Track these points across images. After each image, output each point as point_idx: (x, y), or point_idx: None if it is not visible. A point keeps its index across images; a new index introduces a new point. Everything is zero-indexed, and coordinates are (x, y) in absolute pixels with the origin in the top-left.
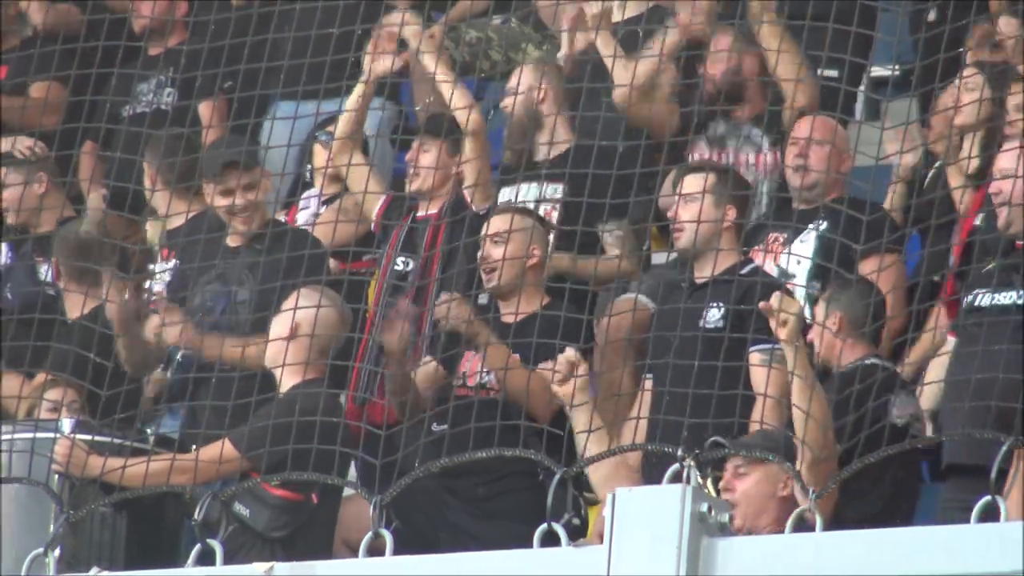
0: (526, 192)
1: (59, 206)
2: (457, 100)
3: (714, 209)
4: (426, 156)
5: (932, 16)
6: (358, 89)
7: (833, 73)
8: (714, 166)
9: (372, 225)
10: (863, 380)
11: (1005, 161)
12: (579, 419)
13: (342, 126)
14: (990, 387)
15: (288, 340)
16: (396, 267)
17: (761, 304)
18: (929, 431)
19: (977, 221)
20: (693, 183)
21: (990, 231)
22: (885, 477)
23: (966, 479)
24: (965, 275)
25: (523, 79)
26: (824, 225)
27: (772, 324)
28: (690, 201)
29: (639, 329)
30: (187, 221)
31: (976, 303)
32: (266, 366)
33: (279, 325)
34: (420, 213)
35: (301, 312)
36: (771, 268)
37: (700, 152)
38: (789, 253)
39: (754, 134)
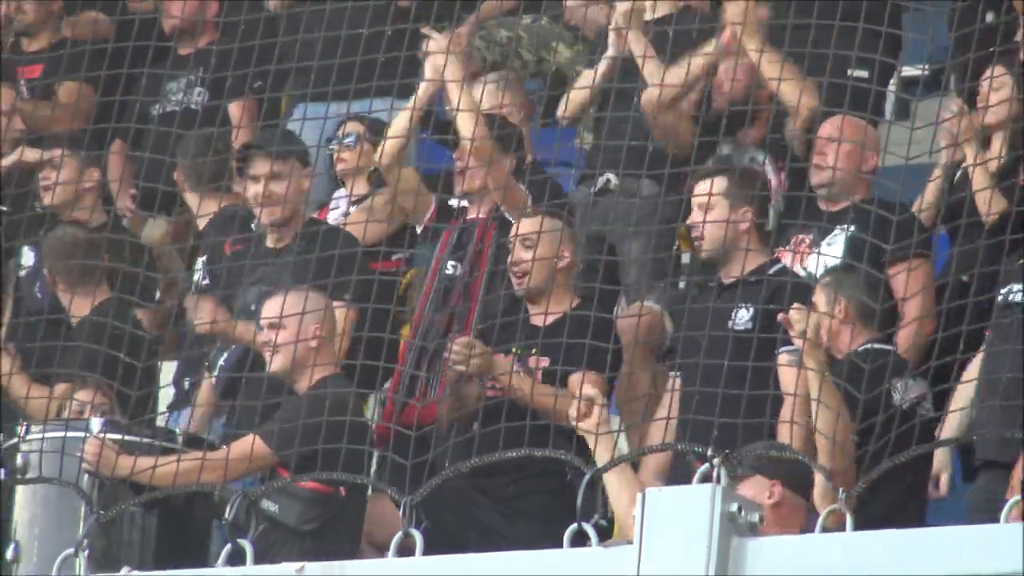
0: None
1: (91, 207)
2: (465, 105)
3: (731, 212)
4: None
5: (990, 18)
6: (403, 116)
7: (863, 73)
8: (725, 169)
9: (419, 228)
10: (874, 370)
11: None
12: (601, 454)
13: (389, 151)
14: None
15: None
16: (446, 271)
17: (780, 316)
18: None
19: None
20: (707, 188)
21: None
22: (888, 484)
23: (997, 476)
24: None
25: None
26: (853, 228)
27: (792, 335)
28: (707, 207)
29: (652, 332)
30: (212, 217)
31: (1009, 299)
32: (286, 367)
33: (291, 326)
34: (471, 216)
35: (313, 313)
36: (798, 270)
37: None
38: (819, 254)
39: (758, 156)
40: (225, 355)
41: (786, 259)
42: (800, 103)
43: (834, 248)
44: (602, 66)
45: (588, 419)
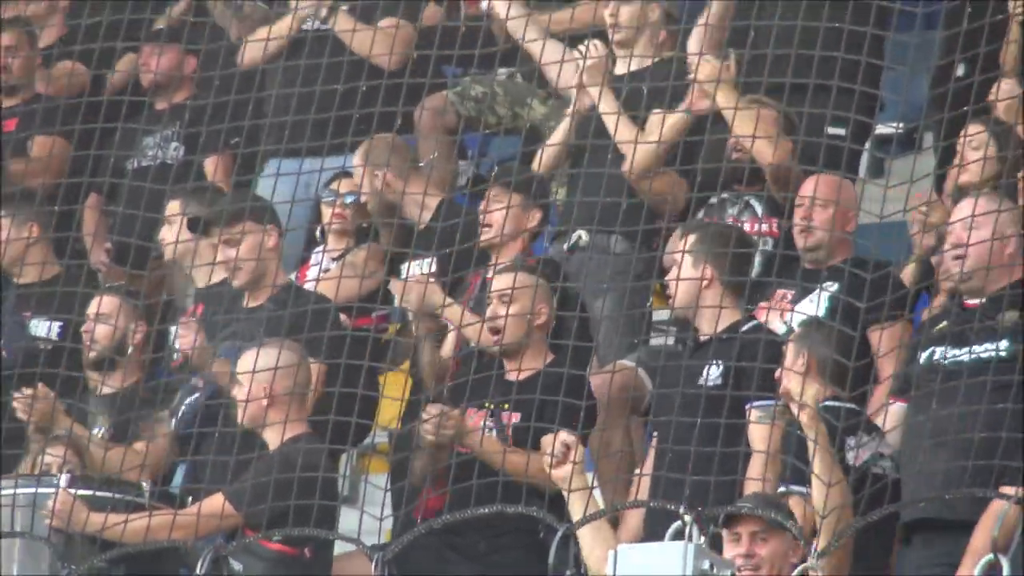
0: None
1: (43, 260)
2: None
3: (694, 269)
4: (498, 208)
5: (961, 71)
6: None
7: (840, 131)
8: (698, 226)
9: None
10: (828, 422)
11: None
12: (576, 505)
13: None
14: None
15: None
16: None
17: (782, 390)
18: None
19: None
20: (677, 243)
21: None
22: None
23: (935, 535)
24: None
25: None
26: (835, 287)
27: (793, 408)
28: (676, 263)
29: (626, 390)
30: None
31: (932, 360)
32: (254, 422)
33: (257, 383)
34: (489, 275)
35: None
36: (777, 325)
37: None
38: (793, 312)
39: (753, 202)
40: (188, 400)
41: (762, 316)
42: (768, 155)
43: (812, 306)
44: (567, 122)
45: (563, 466)
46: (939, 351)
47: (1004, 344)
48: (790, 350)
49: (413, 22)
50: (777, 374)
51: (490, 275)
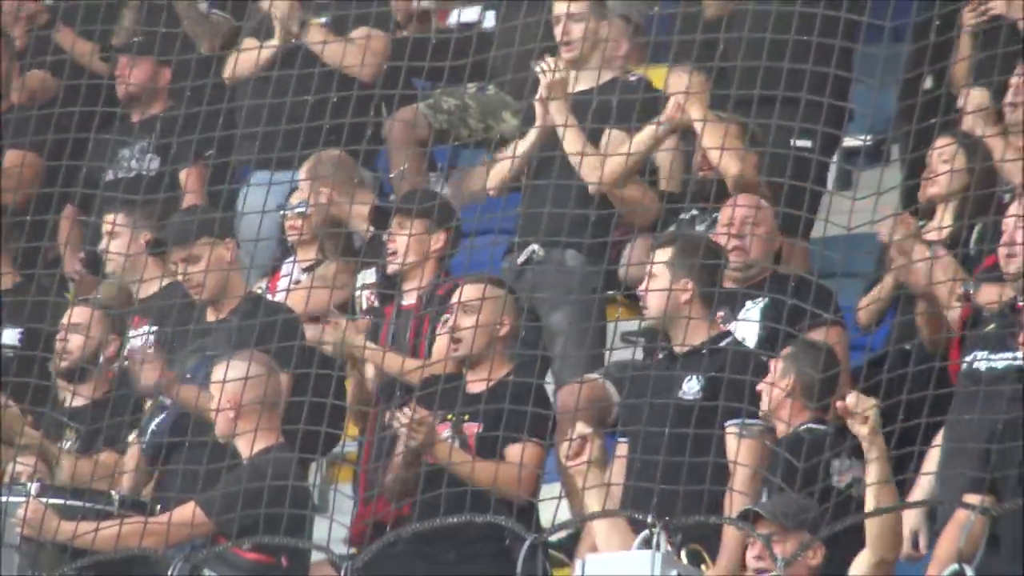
0: None
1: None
2: None
3: (671, 282)
4: (402, 236)
5: (928, 84)
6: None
7: (807, 143)
8: (675, 239)
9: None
10: (809, 443)
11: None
12: (591, 500)
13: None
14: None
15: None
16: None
17: (838, 404)
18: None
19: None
20: (658, 256)
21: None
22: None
23: None
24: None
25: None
26: (766, 300)
27: (850, 423)
28: (651, 275)
29: (594, 402)
30: (161, 288)
31: (974, 367)
32: (226, 434)
33: (228, 394)
34: (404, 302)
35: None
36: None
37: None
38: (738, 321)
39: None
40: (157, 420)
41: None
42: (731, 170)
43: (751, 314)
44: (531, 136)
45: (581, 456)
46: (980, 355)
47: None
48: (779, 368)
49: (385, 32)
50: (759, 387)
51: (405, 302)
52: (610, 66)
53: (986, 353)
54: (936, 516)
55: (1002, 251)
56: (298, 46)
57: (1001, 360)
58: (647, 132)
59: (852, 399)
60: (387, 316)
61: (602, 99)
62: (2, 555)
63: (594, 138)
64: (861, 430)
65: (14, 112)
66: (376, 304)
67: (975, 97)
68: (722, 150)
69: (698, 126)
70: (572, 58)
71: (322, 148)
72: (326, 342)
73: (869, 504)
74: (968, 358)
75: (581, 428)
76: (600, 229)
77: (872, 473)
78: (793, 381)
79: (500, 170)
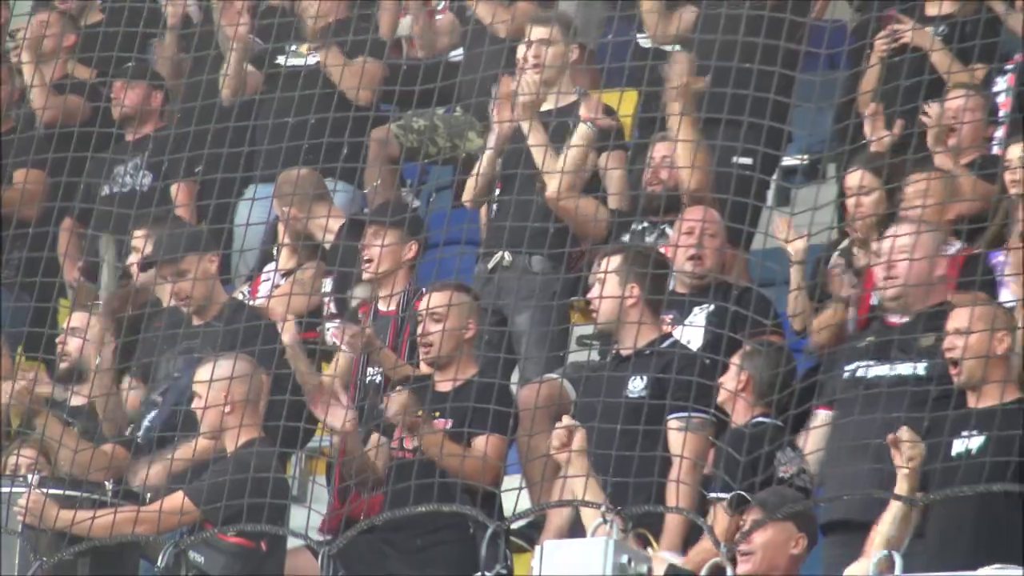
0: None
1: None
2: None
3: (619, 288)
4: (376, 244)
5: None
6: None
7: (747, 161)
8: (621, 248)
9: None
10: (755, 436)
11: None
12: (577, 488)
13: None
14: (866, 451)
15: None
16: (369, 378)
17: (889, 437)
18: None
19: (873, 300)
20: (602, 265)
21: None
22: None
23: (845, 535)
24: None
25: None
26: (712, 307)
27: (896, 458)
28: (600, 281)
29: (552, 400)
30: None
31: (855, 375)
32: (214, 429)
33: (216, 391)
34: (382, 308)
35: (237, 379)
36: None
37: None
38: (684, 326)
39: (668, 230)
40: (150, 416)
41: (676, 330)
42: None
43: (696, 322)
44: (489, 153)
45: (569, 446)
46: (862, 365)
47: (923, 364)
48: (732, 368)
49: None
50: (721, 379)
51: (384, 308)
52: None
53: (872, 362)
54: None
55: (878, 271)
56: (298, 69)
57: (885, 369)
58: (578, 134)
59: (906, 435)
60: (365, 315)
61: (562, 120)
62: (3, 542)
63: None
64: (904, 467)
65: (16, 133)
66: (334, 310)
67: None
68: (692, 167)
69: (674, 121)
70: (544, 78)
71: (307, 165)
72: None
73: (881, 539)
74: (851, 367)
75: (568, 420)
76: (563, 238)
77: (893, 507)
78: (747, 378)
79: (472, 185)
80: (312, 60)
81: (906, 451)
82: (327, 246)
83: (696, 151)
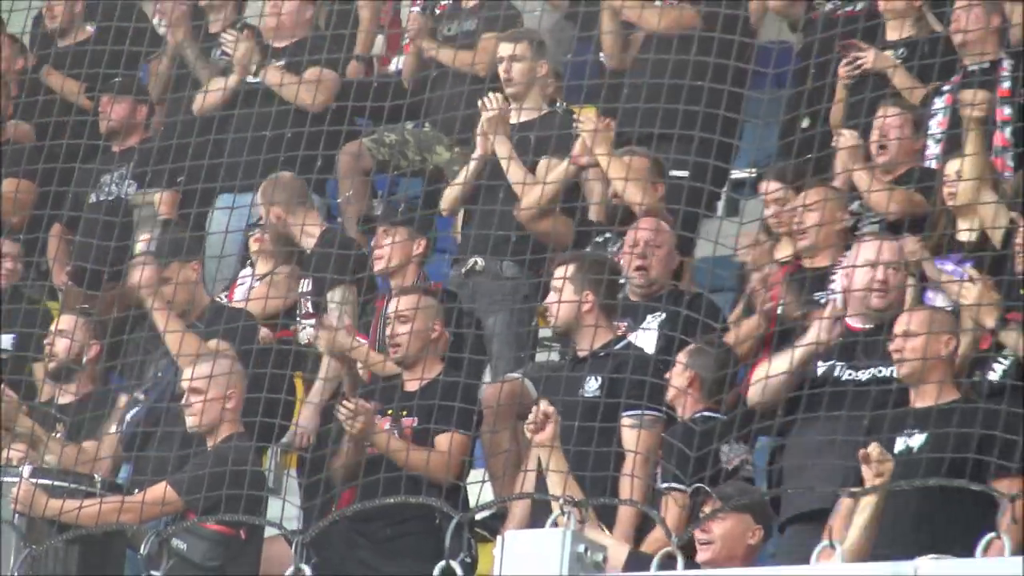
0: None
1: None
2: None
3: (574, 294)
4: (387, 240)
5: (806, 123)
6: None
7: (683, 173)
8: (575, 257)
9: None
10: (703, 431)
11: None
12: (554, 478)
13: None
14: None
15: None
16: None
17: (860, 452)
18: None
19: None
20: (559, 272)
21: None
22: None
23: (805, 529)
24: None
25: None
26: (664, 316)
27: (865, 471)
28: (557, 289)
29: (514, 398)
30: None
31: (834, 374)
32: (209, 424)
33: (215, 387)
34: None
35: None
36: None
37: None
38: (639, 331)
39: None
40: (132, 412)
41: (631, 335)
42: (639, 198)
43: (649, 332)
44: (472, 165)
45: (544, 432)
46: (839, 366)
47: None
48: (678, 365)
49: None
50: (668, 374)
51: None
52: (548, 101)
53: (841, 365)
54: None
55: (865, 276)
56: (258, 86)
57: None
58: (560, 168)
59: (876, 451)
60: (379, 308)
61: (539, 133)
62: (1, 529)
63: (535, 167)
64: (874, 480)
65: (9, 145)
66: (311, 309)
67: (847, 138)
68: (626, 180)
69: (603, 161)
70: (513, 93)
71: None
72: (320, 341)
73: (851, 539)
74: (825, 366)
75: (545, 407)
76: (533, 245)
77: (864, 513)
78: (693, 377)
79: (450, 194)
80: (261, 78)
81: (875, 467)
82: (308, 251)
83: (636, 169)
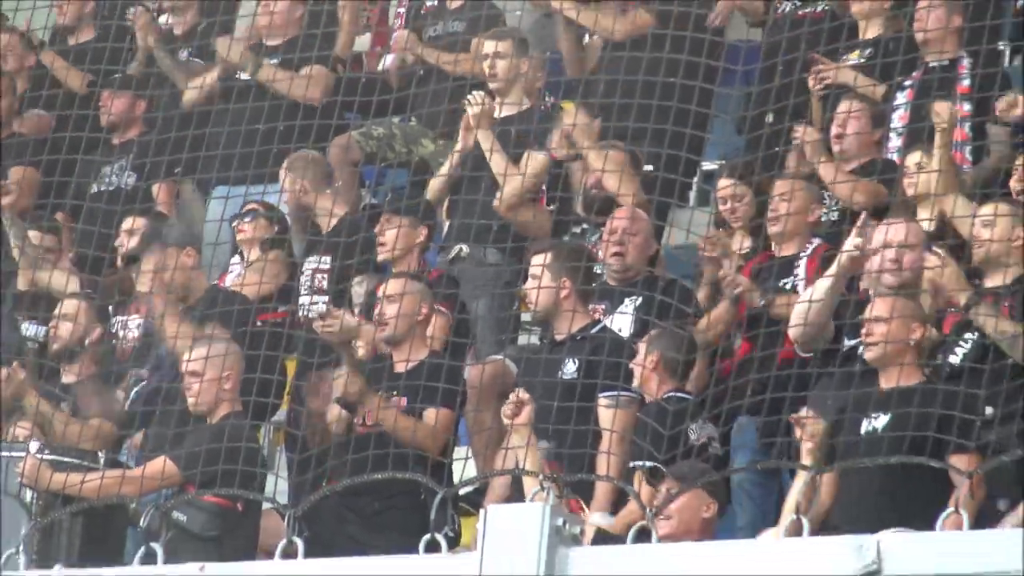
0: None
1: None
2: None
3: (552, 281)
4: (390, 229)
5: (770, 119)
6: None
7: (649, 168)
8: (551, 245)
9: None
10: (674, 412)
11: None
12: (530, 459)
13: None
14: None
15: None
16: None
17: (792, 416)
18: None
19: None
20: (536, 260)
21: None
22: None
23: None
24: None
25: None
26: (639, 300)
27: (797, 432)
28: (535, 276)
29: (496, 379)
30: None
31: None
32: (209, 403)
33: (212, 368)
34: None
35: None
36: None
37: None
38: (615, 315)
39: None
40: (136, 389)
41: (607, 320)
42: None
43: (625, 315)
44: (455, 158)
45: (520, 417)
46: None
47: None
48: (642, 349)
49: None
50: (632, 363)
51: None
52: (529, 96)
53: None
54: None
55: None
56: (251, 83)
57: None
58: (538, 161)
59: (806, 413)
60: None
61: (521, 127)
62: (4, 503)
63: (516, 159)
64: (805, 444)
65: (15, 137)
66: (325, 285)
67: (807, 133)
68: (603, 171)
69: (585, 151)
70: (497, 88)
71: (271, 168)
72: (328, 329)
73: (789, 505)
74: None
75: (521, 393)
76: (513, 234)
77: (799, 480)
78: (656, 359)
79: (435, 185)
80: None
81: (808, 428)
82: (330, 229)
83: (613, 161)
